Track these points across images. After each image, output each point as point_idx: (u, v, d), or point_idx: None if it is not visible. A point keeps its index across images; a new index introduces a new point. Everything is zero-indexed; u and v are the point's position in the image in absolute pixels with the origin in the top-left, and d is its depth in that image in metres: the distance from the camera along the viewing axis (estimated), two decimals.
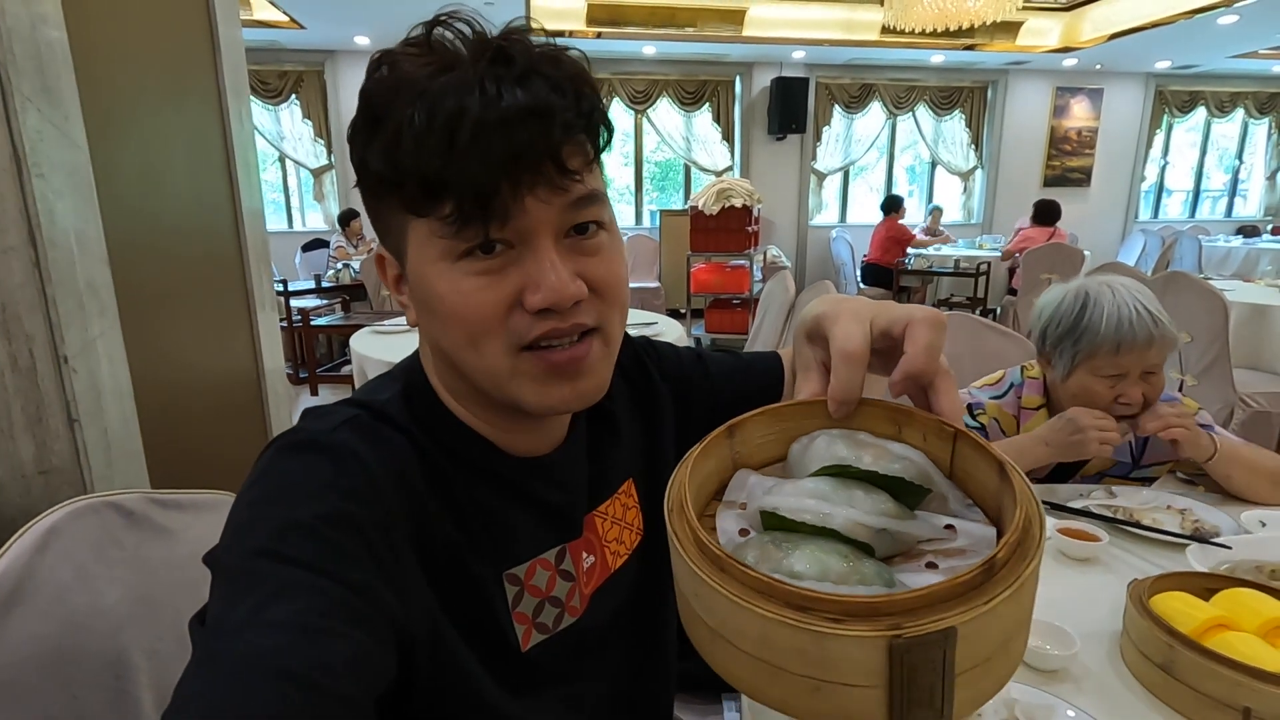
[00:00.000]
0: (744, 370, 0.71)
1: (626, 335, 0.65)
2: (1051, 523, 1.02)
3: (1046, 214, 5.25)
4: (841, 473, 0.37)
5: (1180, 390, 2.52)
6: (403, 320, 2.80)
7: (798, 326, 0.48)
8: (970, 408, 1.27)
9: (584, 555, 0.57)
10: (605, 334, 0.49)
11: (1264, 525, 1.02)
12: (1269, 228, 7.28)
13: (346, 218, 5.62)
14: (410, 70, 0.43)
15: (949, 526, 0.37)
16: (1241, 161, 8.16)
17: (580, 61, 0.45)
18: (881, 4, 4.35)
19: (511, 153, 0.41)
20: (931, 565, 0.35)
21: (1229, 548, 0.94)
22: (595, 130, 0.45)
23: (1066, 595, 0.88)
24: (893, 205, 5.89)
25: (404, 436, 0.49)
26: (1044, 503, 1.12)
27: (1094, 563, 0.96)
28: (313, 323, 4.03)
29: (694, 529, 0.33)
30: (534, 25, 0.45)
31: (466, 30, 0.44)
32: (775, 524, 0.35)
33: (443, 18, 0.44)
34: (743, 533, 0.37)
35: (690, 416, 0.68)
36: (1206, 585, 0.78)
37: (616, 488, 0.61)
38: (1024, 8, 5.39)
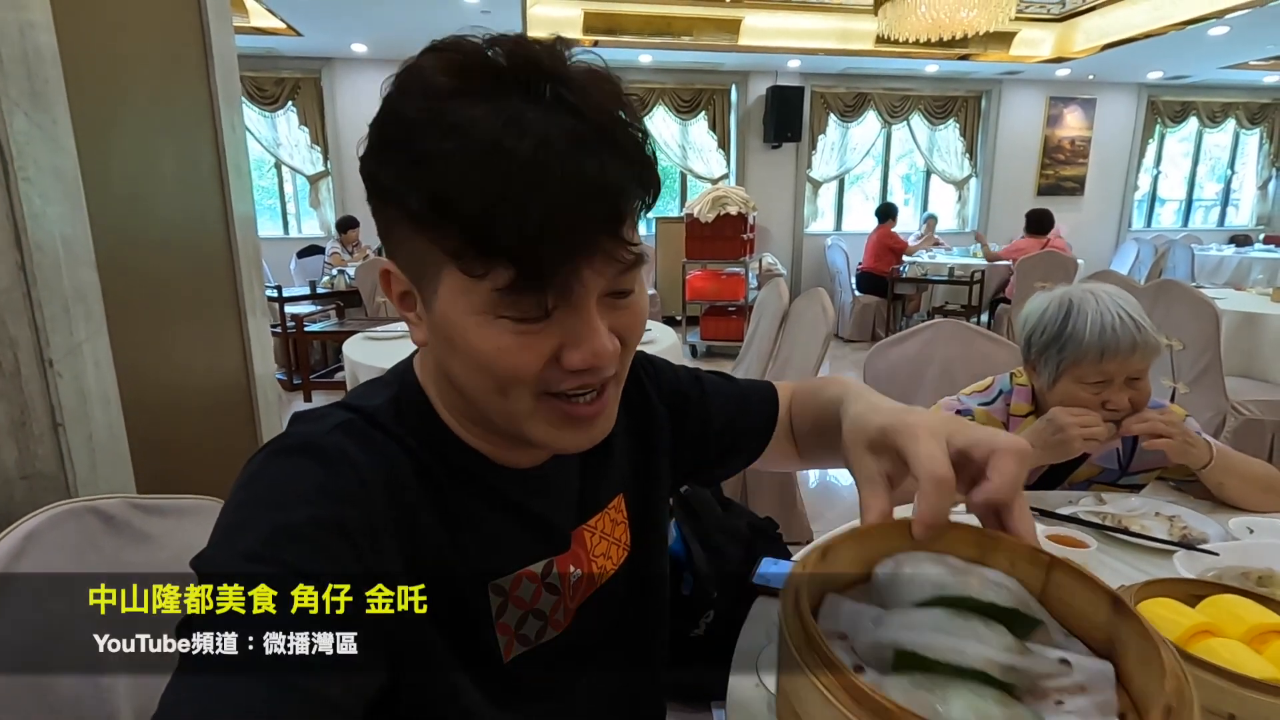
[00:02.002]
0: (739, 400, 0.71)
1: None
2: (1040, 529, 1.02)
3: (1039, 224, 5.28)
4: (958, 604, 0.35)
5: (1172, 398, 2.53)
6: (395, 326, 2.78)
7: (853, 430, 0.47)
8: (958, 414, 1.27)
9: (571, 569, 0.57)
10: (619, 376, 0.49)
11: (1251, 532, 1.02)
12: (1261, 237, 7.33)
13: (345, 225, 5.61)
14: (464, 111, 0.39)
15: (1064, 661, 0.35)
16: (1234, 171, 8.21)
17: (636, 106, 0.44)
18: (876, 14, 4.38)
19: (582, 235, 0.40)
20: (1059, 703, 0.33)
21: (1216, 554, 0.93)
22: (655, 198, 0.45)
23: None
24: (887, 213, 5.91)
25: (395, 442, 0.49)
26: (1032, 509, 1.12)
27: None
28: (306, 329, 4.02)
29: (839, 671, 0.31)
30: (595, 61, 0.43)
31: (519, 59, 0.41)
32: (910, 663, 0.33)
33: (492, 39, 0.41)
34: (858, 669, 0.35)
35: (684, 433, 0.68)
36: (1193, 592, 0.78)
37: (607, 503, 0.61)
38: (1017, 18, 5.43)
